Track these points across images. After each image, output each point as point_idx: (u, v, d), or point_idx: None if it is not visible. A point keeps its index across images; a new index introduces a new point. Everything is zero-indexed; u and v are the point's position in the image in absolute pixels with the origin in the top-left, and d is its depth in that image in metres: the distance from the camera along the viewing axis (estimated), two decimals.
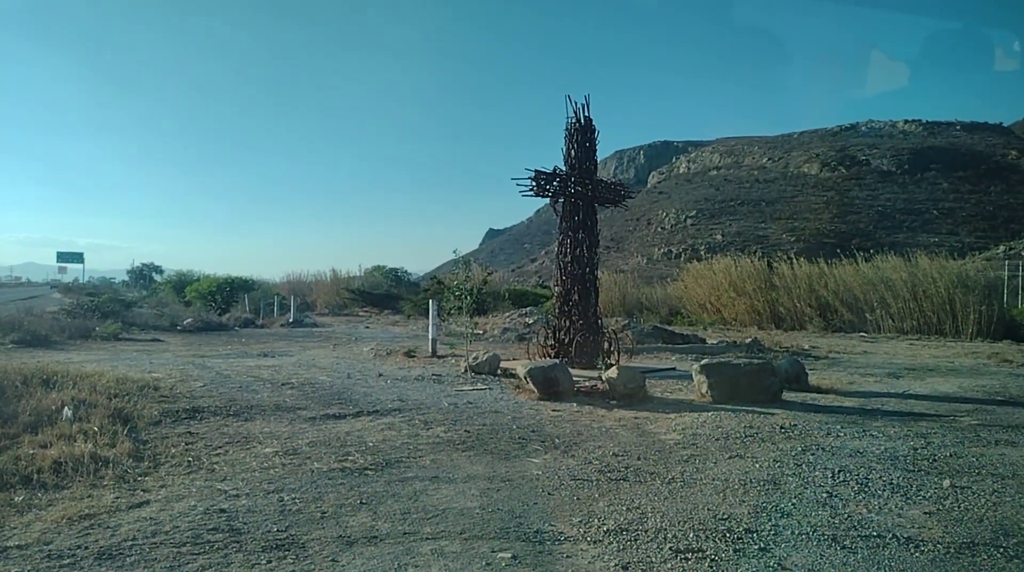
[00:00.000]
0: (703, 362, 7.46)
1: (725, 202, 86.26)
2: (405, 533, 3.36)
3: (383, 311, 29.19)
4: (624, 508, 3.71)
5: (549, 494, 3.98)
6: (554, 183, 9.33)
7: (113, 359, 10.08)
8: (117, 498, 3.84)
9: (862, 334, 18.85)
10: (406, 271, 47.38)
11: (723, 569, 2.90)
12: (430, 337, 10.94)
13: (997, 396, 7.83)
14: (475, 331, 15.72)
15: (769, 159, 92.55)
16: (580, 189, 9.46)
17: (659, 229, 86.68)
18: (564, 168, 9.61)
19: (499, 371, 8.78)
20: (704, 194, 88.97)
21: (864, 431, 5.70)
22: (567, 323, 9.38)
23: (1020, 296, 22.74)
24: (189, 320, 18.07)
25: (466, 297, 10.54)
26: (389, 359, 10.57)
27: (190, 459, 4.67)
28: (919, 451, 4.99)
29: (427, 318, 21.24)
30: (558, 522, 3.51)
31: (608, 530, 3.37)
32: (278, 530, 3.40)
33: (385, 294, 30.83)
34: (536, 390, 7.19)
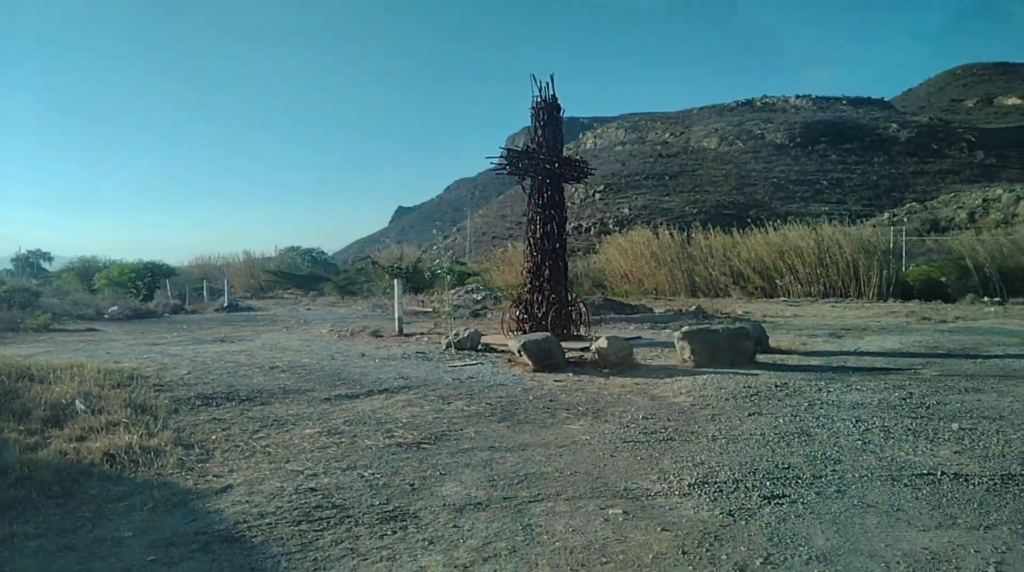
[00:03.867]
0: (684, 330, 7.90)
1: (631, 177, 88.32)
2: (505, 498, 3.55)
3: (308, 293, 28.66)
4: (690, 464, 4.01)
5: (611, 456, 4.25)
6: (525, 162, 9.52)
7: (63, 350, 9.62)
8: (196, 485, 3.85)
9: (783, 299, 19.97)
10: (322, 251, 46.46)
11: (816, 509, 3.25)
12: (396, 316, 10.98)
13: (937, 350, 8.63)
14: (425, 309, 15.78)
15: (671, 134, 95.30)
16: (549, 167, 9.68)
17: (569, 204, 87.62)
18: (531, 146, 9.81)
19: (480, 346, 8.96)
20: (611, 169, 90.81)
21: (848, 386, 6.24)
22: (539, 297, 9.64)
23: (904, 260, 24.50)
24: (115, 308, 17.27)
25: (446, 275, 10.58)
26: (356, 339, 10.55)
27: (239, 444, 4.67)
28: (908, 400, 5.55)
29: (363, 298, 21.09)
30: (639, 480, 3.78)
31: (690, 484, 3.66)
32: (380, 503, 3.52)
33: (309, 275, 30.25)
34: (531, 363, 7.43)
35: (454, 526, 3.20)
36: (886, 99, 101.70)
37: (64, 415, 5.18)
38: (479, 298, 15.47)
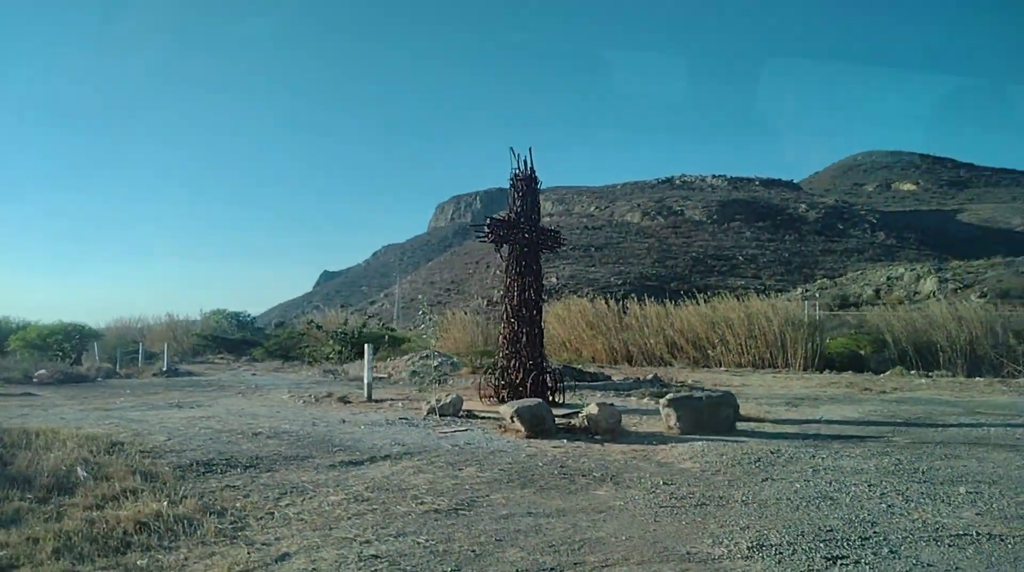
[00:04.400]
0: (669, 397, 8.13)
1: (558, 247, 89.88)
2: (576, 563, 3.59)
3: (240, 357, 27.83)
4: (736, 528, 4.15)
5: (655, 521, 4.34)
6: (509, 231, 9.76)
7: (8, 416, 9.06)
8: (250, 554, 3.73)
9: (724, 369, 20.61)
10: (249, 315, 45.35)
11: (881, 569, 3.43)
12: (366, 381, 10.84)
13: (895, 419, 9.12)
14: (379, 375, 15.57)
15: (596, 207, 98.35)
16: (529, 237, 9.94)
17: (497, 272, 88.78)
18: (510, 216, 10.08)
19: (462, 413, 8.94)
20: None
21: (837, 453, 6.55)
22: (517, 363, 9.73)
23: (821, 333, 25.68)
24: (43, 372, 16.34)
25: (431, 340, 10.55)
26: (324, 405, 10.34)
27: (270, 511, 4.53)
28: (901, 467, 5.87)
29: (307, 365, 20.60)
30: (695, 544, 3.88)
31: (748, 547, 3.79)
32: (452, 570, 3.50)
33: (241, 339, 29.39)
34: (523, 429, 7.47)
35: None
36: (795, 181, 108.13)
37: (67, 483, 4.92)
38: (435, 364, 15.39)
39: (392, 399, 10.84)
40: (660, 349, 25.40)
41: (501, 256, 10.31)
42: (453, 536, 4.04)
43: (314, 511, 4.56)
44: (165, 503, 4.43)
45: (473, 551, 3.78)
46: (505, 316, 10.07)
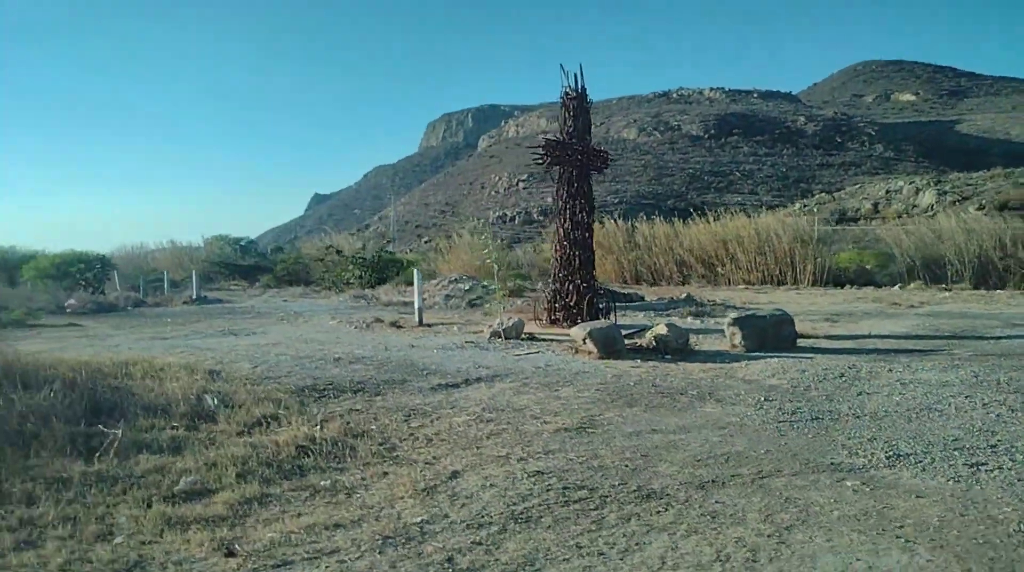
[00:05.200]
0: (733, 317, 8.36)
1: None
2: (732, 475, 3.82)
3: (252, 284, 27.96)
4: (864, 440, 4.40)
5: (781, 436, 4.58)
6: (563, 152, 9.76)
7: (72, 347, 9.22)
8: (423, 473, 3.94)
9: (744, 286, 20.89)
10: (252, 240, 45.40)
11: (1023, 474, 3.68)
12: (416, 306, 11.01)
13: (943, 333, 9.40)
14: (410, 299, 15.75)
15: (592, 125, 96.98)
16: (581, 158, 9.95)
17: (492, 193, 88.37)
18: (562, 136, 10.06)
19: (524, 335, 9.15)
20: (534, 158, 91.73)
21: (910, 367, 6.81)
22: (571, 286, 9.91)
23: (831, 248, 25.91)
24: (73, 301, 16.44)
25: (497, 267, 10.67)
26: (378, 331, 10.52)
27: (411, 433, 4.76)
28: (982, 378, 6.14)
29: (335, 290, 20.73)
30: (834, 456, 4.12)
31: (886, 457, 4.04)
32: (619, 483, 3.73)
33: (253, 265, 29.46)
34: (596, 350, 7.70)
35: (716, 502, 3.45)
36: (794, 93, 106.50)
37: (201, 410, 5.11)
38: (466, 289, 15.57)
39: (443, 323, 11.04)
40: (670, 268, 25.58)
41: (552, 178, 10.33)
42: (598, 452, 4.27)
43: (449, 432, 4.78)
44: (310, 428, 4.62)
45: (626, 466, 4.02)
46: (557, 238, 10.18)
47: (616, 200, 78.03)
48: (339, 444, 4.40)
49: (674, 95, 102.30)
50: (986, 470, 3.75)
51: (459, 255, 27.13)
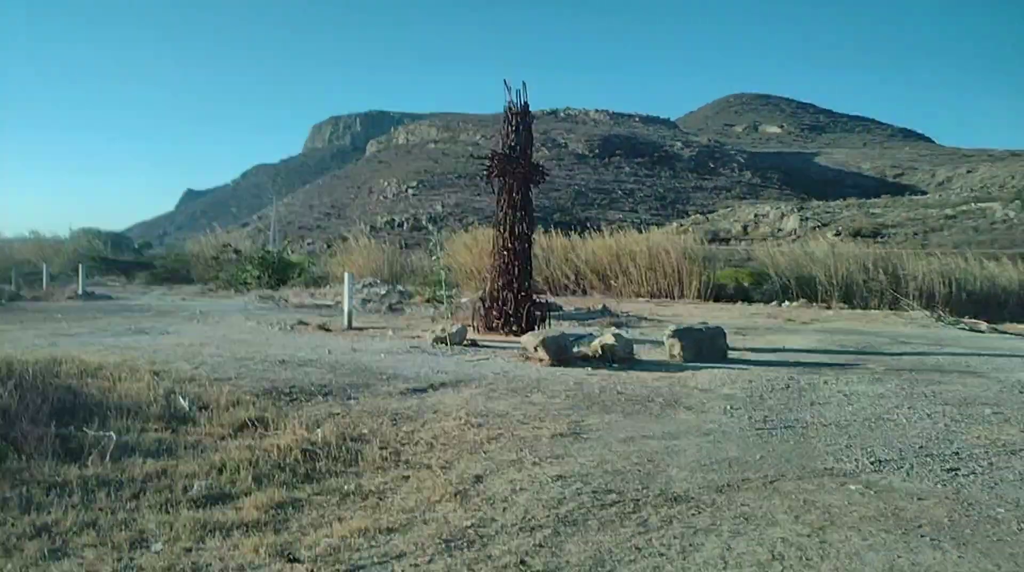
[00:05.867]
0: (673, 329, 8.71)
1: (444, 174, 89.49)
2: (743, 480, 4.03)
3: (132, 281, 26.30)
4: (842, 447, 4.73)
5: (765, 442, 4.85)
6: (508, 165, 9.87)
7: None
8: (445, 476, 3.90)
9: (645, 299, 21.68)
10: (124, 235, 42.77)
11: (997, 478, 4.10)
12: (345, 310, 10.74)
13: (847, 348, 10.17)
14: (324, 302, 15.35)
15: (482, 136, 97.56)
16: (523, 171, 10.09)
17: (381, 198, 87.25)
18: (505, 150, 10.17)
19: (466, 341, 9.14)
20: (423, 166, 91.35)
21: (840, 380, 7.33)
22: (509, 295, 10.01)
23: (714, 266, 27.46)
24: None
25: (442, 272, 10.54)
26: (308, 333, 10.21)
27: (408, 438, 4.68)
28: (909, 390, 6.72)
29: (233, 290, 19.81)
30: (823, 461, 4.42)
31: (870, 463, 4.37)
32: (640, 487, 3.85)
33: (134, 262, 27.69)
34: (548, 358, 7.82)
35: (742, 505, 3.64)
36: (672, 119, 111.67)
37: (175, 413, 4.81)
38: (383, 293, 15.33)
39: (373, 327, 10.84)
40: (566, 279, 26.21)
41: (493, 188, 10.42)
42: (604, 457, 4.37)
43: (446, 436, 4.75)
44: (306, 431, 4.46)
45: (639, 470, 4.14)
46: (497, 248, 10.27)
47: None
48: (342, 448, 4.28)
49: (561, 114, 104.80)
50: (963, 475, 4.14)
51: (355, 258, 26.63)
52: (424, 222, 79.36)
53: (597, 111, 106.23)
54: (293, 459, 4.02)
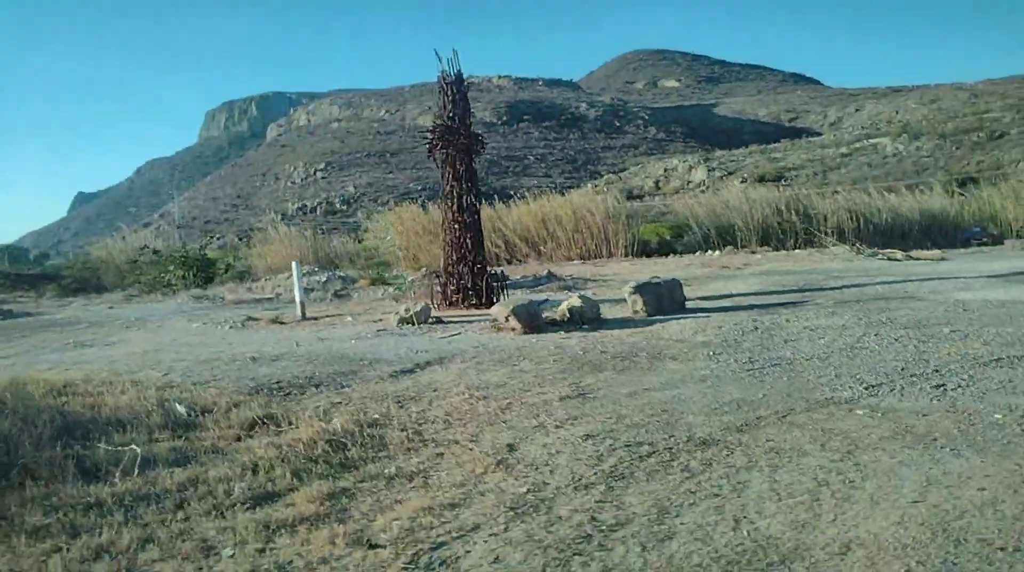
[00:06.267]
0: (633, 285, 8.94)
1: (352, 154, 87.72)
2: (757, 418, 4.24)
3: (42, 294, 24.85)
4: (832, 377, 5.03)
5: (762, 381, 5.10)
6: (450, 136, 9.79)
7: None
8: (478, 449, 3.95)
9: (578, 262, 22.00)
10: (22, 247, 40.48)
11: (979, 388, 4.45)
12: (297, 300, 10.50)
13: (790, 287, 10.70)
14: (265, 295, 14.97)
15: (387, 111, 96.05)
16: (465, 141, 10.03)
17: (289, 183, 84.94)
18: (443, 121, 10.08)
19: (431, 319, 9.11)
20: (329, 147, 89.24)
21: (799, 317, 7.74)
22: (465, 268, 10.02)
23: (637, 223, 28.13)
24: None
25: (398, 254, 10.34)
26: (264, 328, 9.94)
27: (419, 418, 4.69)
28: (868, 318, 7.16)
29: (159, 293, 18.96)
30: (822, 392, 4.69)
31: (864, 388, 4.67)
32: (666, 436, 4.01)
33: (41, 274, 26.12)
34: (520, 326, 7.91)
35: (767, 440, 3.84)
36: (575, 81, 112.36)
37: (177, 419, 4.66)
38: (323, 280, 15.01)
39: (327, 316, 10.65)
40: (496, 249, 26.33)
41: (436, 162, 10.34)
42: (620, 413, 4.51)
43: (458, 411, 4.78)
44: (323, 423, 4.42)
45: (657, 420, 4.30)
46: (446, 222, 10.23)
47: (419, 187, 78.03)
48: (364, 435, 4.25)
49: (466, 81, 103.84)
50: (951, 389, 4.49)
51: (277, 249, 25.92)
52: (337, 205, 77.94)
53: (500, 77, 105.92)
54: (322, 451, 3.98)
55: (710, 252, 22.81)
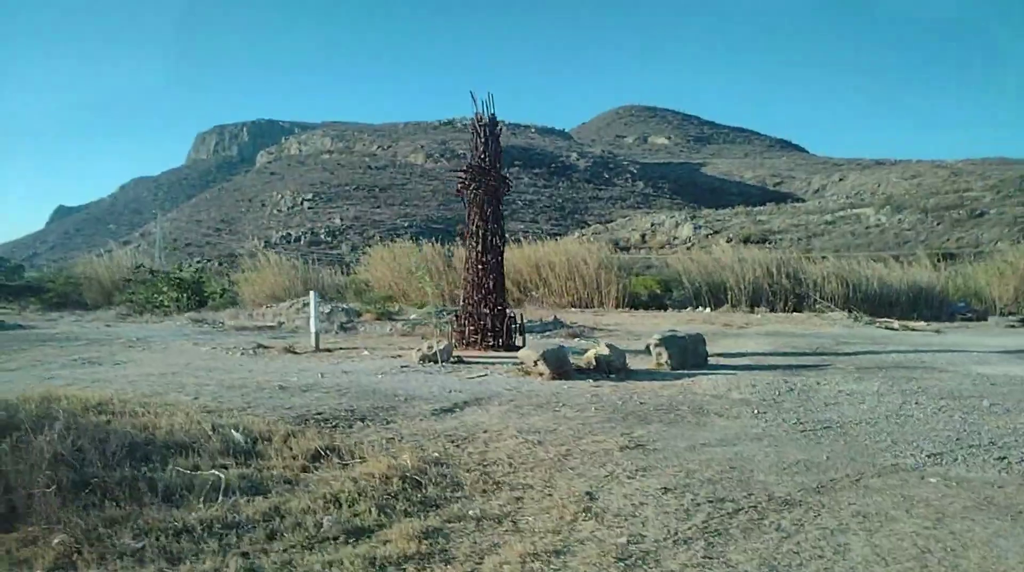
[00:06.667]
0: (658, 337, 8.96)
1: (340, 186, 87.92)
2: (831, 480, 4.24)
3: (24, 307, 24.40)
4: (889, 443, 5.05)
5: (819, 443, 5.11)
6: (482, 177, 9.87)
7: None
8: (557, 495, 3.90)
9: (578, 309, 22.04)
10: (4, 258, 39.98)
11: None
12: (312, 331, 10.39)
13: (804, 350, 10.78)
14: (267, 323, 14.79)
15: (379, 147, 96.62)
16: (495, 184, 10.12)
17: (275, 211, 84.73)
18: (476, 161, 10.18)
19: (453, 358, 9.05)
20: (319, 177, 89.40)
21: (830, 381, 7.79)
22: (486, 309, 10.00)
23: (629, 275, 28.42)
24: None
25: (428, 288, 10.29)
26: (276, 356, 9.82)
27: (481, 458, 4.62)
28: (900, 387, 7.22)
29: (148, 313, 18.68)
30: (886, 457, 4.71)
31: (925, 456, 4.70)
32: (746, 494, 3.99)
33: (25, 286, 25.64)
34: (549, 371, 7.88)
35: (850, 504, 3.83)
36: (566, 130, 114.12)
37: (236, 447, 4.55)
38: (328, 312, 14.87)
39: (341, 348, 10.55)
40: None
41: (464, 201, 10.40)
42: (688, 468, 4.48)
43: (518, 455, 4.72)
44: (392, 459, 4.34)
45: (728, 478, 4.28)
46: (470, 262, 10.25)
47: (406, 224, 78.36)
48: (435, 474, 4.18)
49: (459, 123, 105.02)
50: (1015, 461, 4.53)
51: (266, 276, 25.68)
52: (322, 236, 77.71)
53: None
54: (397, 488, 3.90)
55: (701, 309, 23.03)
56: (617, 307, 23.79)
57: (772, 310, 22.54)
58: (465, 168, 10.16)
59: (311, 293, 10.84)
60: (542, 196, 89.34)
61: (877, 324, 16.95)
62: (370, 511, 3.55)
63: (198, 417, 5.06)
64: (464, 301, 10.35)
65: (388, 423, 5.65)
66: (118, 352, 10.57)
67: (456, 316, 10.43)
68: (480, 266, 10.09)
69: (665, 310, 23.33)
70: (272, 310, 16.17)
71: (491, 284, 10.07)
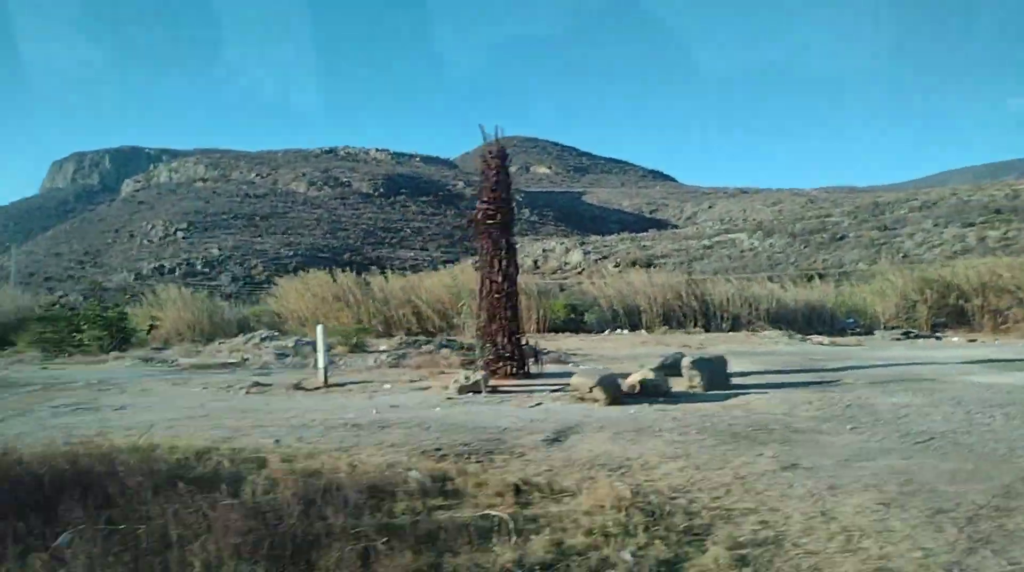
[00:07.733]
0: (690, 360, 9.25)
1: (217, 215, 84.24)
2: (1008, 493, 4.58)
3: None
4: (1008, 449, 5.48)
5: (945, 454, 5.47)
6: (497, 209, 9.91)
7: None
8: (748, 516, 3.99)
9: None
10: None
11: None
12: (321, 366, 9.93)
13: (804, 368, 11.32)
14: (229, 360, 13.95)
15: (258, 175, 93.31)
16: (506, 215, 10.15)
17: (145, 242, 79.99)
18: (487, 193, 10.18)
19: (488, 388, 8.94)
20: (193, 206, 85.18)
21: (857, 394, 8.30)
22: (504, 339, 9.97)
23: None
24: None
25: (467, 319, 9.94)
26: (291, 394, 9.33)
27: (651, 489, 4.64)
28: (932, 399, 7.81)
29: (79, 354, 17.05)
30: (1020, 462, 5.12)
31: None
32: (974, 503, 4.25)
33: None
34: (604, 397, 7.96)
35: None
36: (451, 159, 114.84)
37: (425, 489, 4.34)
38: (291, 345, 14.18)
39: (352, 382, 10.14)
40: (408, 319, 26.01)
41: (474, 233, 10.36)
42: (868, 484, 4.69)
43: (693, 481, 4.77)
44: (609, 489, 4.28)
45: (921, 488, 4.52)
46: (487, 292, 10.20)
47: (291, 253, 75.98)
48: (636, 509, 4.15)
49: (341, 152, 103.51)
50: None
51: (168, 312, 24.15)
52: (199, 267, 73.90)
53: (378, 150, 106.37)
54: (640, 519, 3.86)
55: (620, 330, 23.79)
56: (538, 331, 24.06)
57: (681, 329, 23.56)
58: (486, 200, 10.12)
59: (318, 328, 10.36)
60: (431, 224, 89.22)
61: (809, 341, 18.13)
62: (653, 542, 3.51)
63: (373, 461, 4.78)
64: (482, 331, 10.26)
65: (520, 456, 5.54)
66: (100, 397, 9.66)
67: (469, 348, 10.30)
68: (498, 295, 10.05)
69: (578, 333, 23.81)
70: (227, 345, 15.25)
71: (509, 313, 10.05)
